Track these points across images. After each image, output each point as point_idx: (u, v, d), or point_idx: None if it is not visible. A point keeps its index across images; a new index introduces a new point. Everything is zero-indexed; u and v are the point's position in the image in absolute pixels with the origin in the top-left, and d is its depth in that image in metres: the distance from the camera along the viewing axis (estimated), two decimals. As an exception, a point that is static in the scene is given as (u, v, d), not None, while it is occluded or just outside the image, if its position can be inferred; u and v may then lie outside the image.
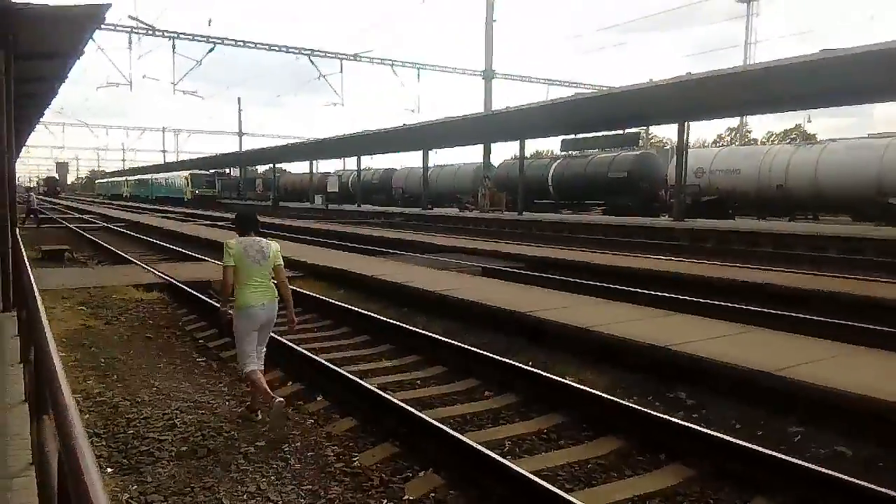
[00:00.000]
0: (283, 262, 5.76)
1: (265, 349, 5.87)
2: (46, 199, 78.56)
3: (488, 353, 7.13)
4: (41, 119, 23.96)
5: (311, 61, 38.72)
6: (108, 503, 1.43)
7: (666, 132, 72.28)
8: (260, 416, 5.57)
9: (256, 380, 5.53)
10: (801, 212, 28.97)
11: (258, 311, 5.56)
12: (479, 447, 4.56)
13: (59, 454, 1.92)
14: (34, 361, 4.02)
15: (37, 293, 5.30)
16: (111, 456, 4.85)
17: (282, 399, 5.47)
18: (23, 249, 8.46)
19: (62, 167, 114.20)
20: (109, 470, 4.58)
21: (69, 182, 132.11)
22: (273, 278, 5.71)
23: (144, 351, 8.08)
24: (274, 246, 5.70)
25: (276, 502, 4.18)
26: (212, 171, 68.44)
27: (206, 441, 5.11)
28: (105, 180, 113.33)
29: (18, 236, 9.05)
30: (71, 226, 29.73)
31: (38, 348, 3.67)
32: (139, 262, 15.61)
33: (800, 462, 4.32)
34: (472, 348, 7.39)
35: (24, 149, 44.96)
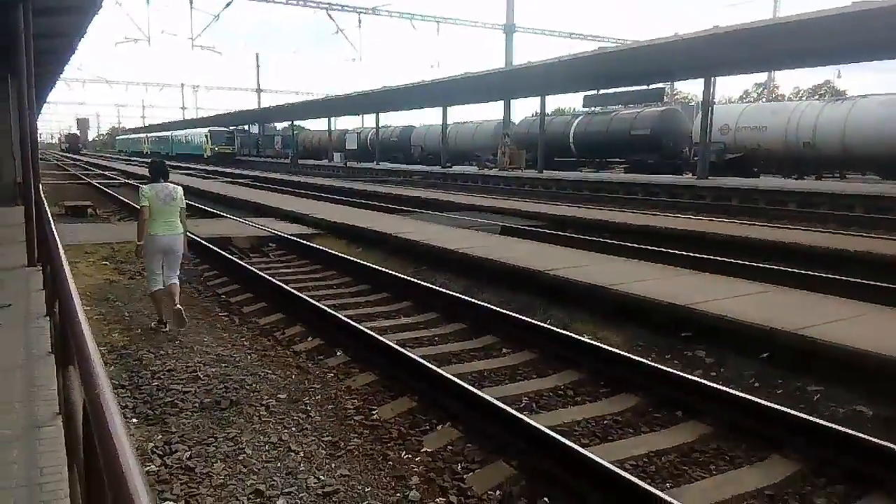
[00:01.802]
0: (185, 205, 7.14)
1: (176, 273, 7.18)
2: (68, 155, 79.26)
3: (506, 311, 7.15)
4: (61, 75, 23.97)
5: (329, 15, 38.10)
6: (132, 451, 1.45)
7: (691, 88, 70.72)
8: (167, 328, 6.93)
9: (158, 299, 7.02)
10: (829, 170, 28.38)
11: (161, 238, 6.91)
12: (496, 402, 4.60)
13: (84, 404, 1.95)
14: (59, 314, 4.09)
15: (60, 248, 5.37)
16: (136, 406, 4.97)
17: (179, 306, 6.87)
18: (46, 205, 8.55)
19: (83, 124, 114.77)
20: (134, 420, 4.70)
21: (90, 139, 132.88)
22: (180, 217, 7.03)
23: (181, 305, 8.19)
24: (180, 191, 7.10)
25: (297, 452, 4.27)
26: (231, 127, 68.40)
27: (228, 393, 5.21)
28: (125, 137, 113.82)
29: (42, 192, 9.14)
30: (93, 182, 30.02)
31: (62, 302, 3.73)
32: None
33: (818, 420, 4.31)
34: (491, 305, 7.41)
35: (45, 105, 45.15)
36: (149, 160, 9.19)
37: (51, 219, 7.74)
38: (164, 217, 6.90)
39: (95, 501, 1.91)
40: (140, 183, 10.61)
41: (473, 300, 7.70)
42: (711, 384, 5.04)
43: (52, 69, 19.72)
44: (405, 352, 5.79)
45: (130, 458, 1.45)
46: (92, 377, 2.08)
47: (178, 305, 6.91)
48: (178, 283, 7.18)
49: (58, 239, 6.02)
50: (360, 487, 3.88)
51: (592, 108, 36.85)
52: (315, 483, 3.89)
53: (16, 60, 8.56)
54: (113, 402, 1.79)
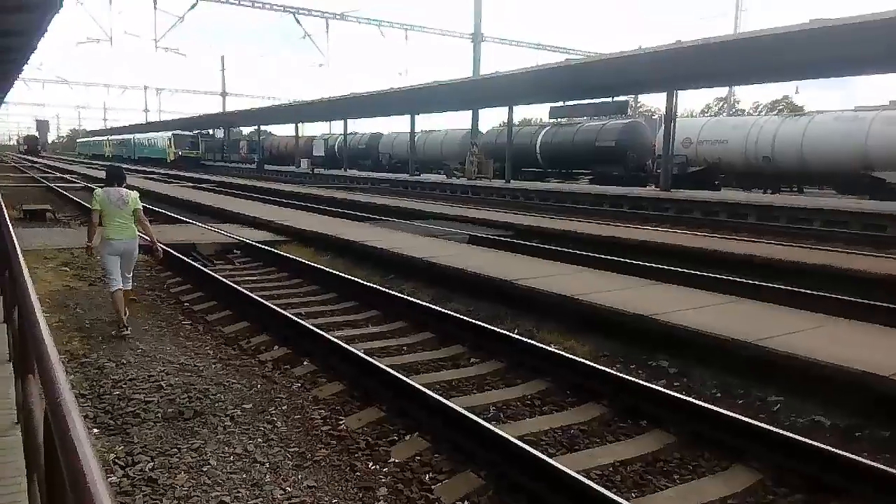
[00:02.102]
0: (141, 207, 7.26)
1: (131, 275, 7.44)
2: (26, 157, 77.22)
3: (474, 321, 7.17)
4: (20, 75, 23.38)
5: (297, 20, 37.96)
6: (96, 460, 1.43)
7: (654, 101, 71.98)
8: (129, 330, 7.03)
9: (118, 299, 7.08)
10: (787, 184, 29.14)
11: (116, 242, 7.13)
12: (464, 412, 4.61)
13: (46, 412, 1.91)
14: (18, 321, 3.98)
15: (19, 253, 5.23)
16: (97, 416, 4.86)
17: (124, 315, 7.04)
18: (4, 209, 8.31)
19: (42, 125, 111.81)
20: (96, 430, 4.59)
21: (50, 141, 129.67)
22: (135, 220, 7.24)
23: (129, 313, 8.02)
24: (133, 195, 7.26)
25: (263, 464, 4.21)
26: (195, 131, 67.39)
27: (192, 403, 5.12)
28: (86, 139, 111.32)
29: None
30: (52, 185, 29.28)
31: (22, 308, 3.63)
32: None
33: (777, 430, 4.41)
34: (459, 315, 7.42)
35: (3, 105, 43.95)
36: (104, 164, 9.03)
37: (8, 222, 7.53)
38: (117, 220, 7.13)
39: (57, 513, 1.86)
40: (90, 185, 10.44)
41: (441, 309, 7.71)
42: (675, 394, 5.12)
43: (10, 68, 19.24)
44: (373, 361, 5.76)
45: (94, 467, 1.42)
46: (54, 385, 2.03)
47: (124, 314, 7.12)
48: (130, 287, 7.50)
49: (16, 243, 5.85)
50: (327, 499, 3.84)
51: (558, 120, 37.30)
52: (281, 495, 3.84)
53: (-27, 59, 8.33)
54: (75, 411, 1.76)
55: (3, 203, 8.65)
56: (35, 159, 74.27)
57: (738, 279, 9.55)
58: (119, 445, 4.40)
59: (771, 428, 4.44)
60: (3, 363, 4.76)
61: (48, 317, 7.11)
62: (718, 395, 5.66)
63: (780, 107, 62.54)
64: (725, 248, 12.08)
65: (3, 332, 5.44)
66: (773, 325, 6.39)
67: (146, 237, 7.56)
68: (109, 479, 3.88)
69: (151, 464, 4.15)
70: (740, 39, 18.69)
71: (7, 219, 7.56)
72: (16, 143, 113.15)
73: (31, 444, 3.07)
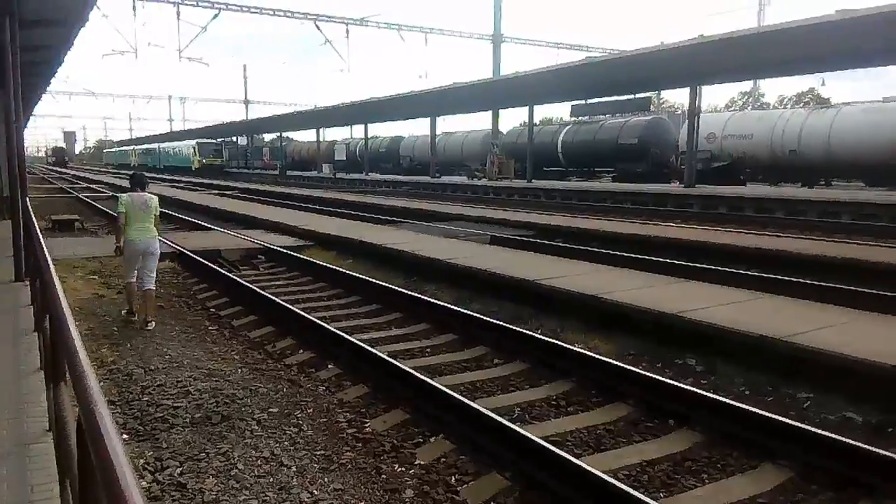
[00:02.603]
0: (159, 212, 7.88)
1: (153, 275, 7.91)
2: (55, 169, 78.72)
3: (497, 321, 7.16)
4: (48, 88, 23.85)
5: (317, 26, 38.17)
6: (130, 467, 1.45)
7: (677, 96, 71.21)
8: (136, 318, 7.80)
9: (131, 290, 7.86)
10: (814, 177, 28.67)
11: (138, 243, 7.66)
12: (489, 413, 4.60)
13: (78, 420, 1.94)
14: (49, 330, 4.05)
15: (50, 263, 5.33)
16: (126, 423, 4.94)
17: (153, 319, 7.69)
18: (34, 219, 8.49)
19: (69, 137, 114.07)
20: (125, 436, 4.66)
21: (77, 152, 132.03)
22: (156, 223, 7.81)
23: (157, 319, 8.15)
24: (155, 199, 7.83)
25: (289, 467, 4.25)
26: (219, 139, 68.22)
27: (219, 408, 5.18)
28: (113, 149, 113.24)
29: (29, 206, 9.08)
30: (81, 195, 29.82)
31: (53, 317, 3.70)
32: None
33: (808, 427, 4.34)
34: (481, 316, 7.42)
35: (31, 118, 44.85)
36: (130, 174, 9.40)
37: (39, 233, 7.67)
38: (139, 223, 7.66)
39: (90, 518, 1.89)
40: (117, 193, 10.82)
41: (464, 310, 7.71)
42: (702, 392, 5.07)
43: (38, 81, 19.63)
44: (397, 363, 5.78)
45: (128, 473, 1.45)
46: (86, 393, 2.06)
47: (152, 319, 7.72)
48: (153, 289, 7.90)
49: (47, 253, 5.97)
50: (353, 501, 3.86)
51: (580, 118, 37.08)
52: (308, 498, 3.87)
53: (2, 73, 8.52)
54: (108, 418, 1.78)
55: (32, 214, 8.84)
56: (63, 170, 75.71)
57: (766, 275, 9.41)
58: (148, 451, 4.46)
59: (800, 425, 4.37)
60: (35, 371, 4.86)
61: (78, 325, 7.23)
62: (747, 392, 5.58)
63: (807, 99, 61.55)
64: (752, 244, 11.91)
65: (34, 340, 5.55)
66: (801, 321, 6.29)
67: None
68: (139, 483, 3.94)
69: (180, 468, 4.20)
70: (765, 32, 18.45)
71: (37, 229, 7.71)
72: (44, 155, 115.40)
73: (63, 452, 3.13)
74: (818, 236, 13.78)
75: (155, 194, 8.01)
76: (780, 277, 9.18)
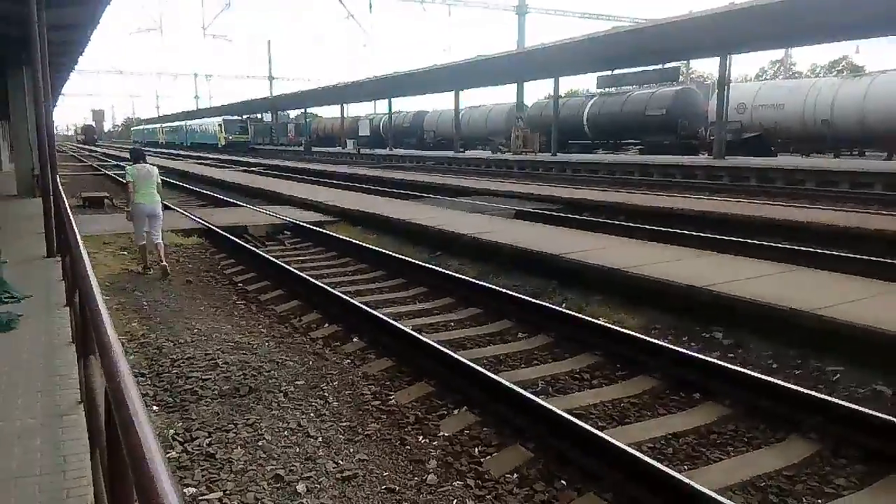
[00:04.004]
0: (160, 181, 9.33)
1: (160, 233, 9.29)
2: (84, 147, 79.83)
3: (521, 295, 7.14)
4: (76, 67, 24.10)
5: (340, 1, 37.98)
6: (155, 439, 1.47)
7: (706, 66, 69.64)
8: (151, 272, 9.09)
9: (144, 250, 9.25)
10: (847, 147, 27.97)
11: (145, 206, 9.06)
12: (513, 386, 4.61)
13: (106, 392, 1.98)
14: (79, 305, 4.14)
15: (79, 239, 5.43)
16: (157, 394, 5.04)
17: (164, 263, 9.02)
18: (64, 197, 8.64)
19: (98, 115, 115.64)
20: (155, 408, 4.77)
21: (105, 130, 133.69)
22: (158, 189, 9.22)
23: (185, 294, 8.28)
24: (155, 170, 9.31)
25: (315, 438, 4.31)
26: (244, 116, 68.54)
27: (247, 380, 5.26)
28: (140, 127, 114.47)
29: (59, 184, 9.24)
30: (109, 173, 30.25)
31: (82, 292, 3.76)
32: (177, 208, 15.87)
33: (836, 400, 4.28)
34: (505, 290, 7.40)
35: (60, 97, 45.41)
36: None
37: (69, 210, 7.81)
38: (145, 189, 9.05)
39: (118, 487, 1.94)
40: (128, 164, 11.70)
41: (488, 285, 7.70)
42: (729, 365, 5.01)
43: (66, 60, 19.84)
44: (421, 337, 5.81)
45: (153, 445, 1.47)
46: (113, 367, 2.10)
47: (164, 262, 9.03)
48: (162, 242, 9.27)
49: (76, 230, 6.07)
50: (378, 472, 3.91)
51: (606, 90, 36.49)
52: (334, 468, 3.93)
53: (30, 52, 8.63)
54: (135, 391, 1.81)
55: (62, 191, 9.01)
56: (92, 148, 76.78)
57: (796, 247, 9.24)
58: (178, 422, 4.56)
59: (828, 398, 4.31)
60: (67, 344, 4.97)
61: (108, 299, 7.40)
62: (774, 366, 5.51)
63: (840, 67, 59.81)
64: (783, 216, 11.69)
65: (66, 314, 5.68)
66: (832, 294, 6.18)
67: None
68: (169, 454, 4.04)
69: (209, 439, 4.29)
70: (796, -2, 17.87)
71: (67, 206, 7.84)
72: (73, 133, 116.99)
73: (93, 423, 3.21)
74: (851, 208, 13.47)
75: (155, 165, 9.54)
76: (810, 250, 9.02)
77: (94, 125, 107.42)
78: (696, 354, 5.28)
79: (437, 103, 63.47)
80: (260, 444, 4.22)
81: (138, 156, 9.48)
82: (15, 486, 3.01)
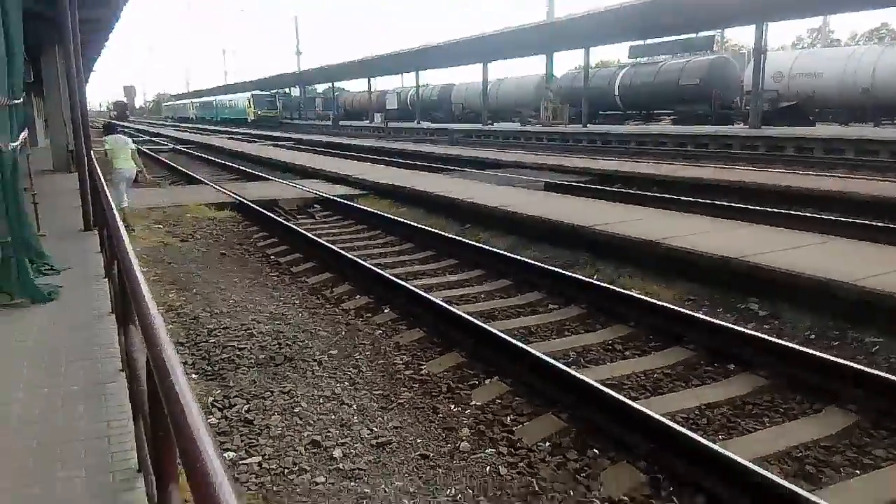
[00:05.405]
0: (135, 147, 10.49)
1: (128, 192, 10.36)
2: (116, 122, 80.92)
3: (551, 267, 7.11)
4: (107, 43, 24.32)
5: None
6: (196, 405, 1.50)
7: (741, 36, 67.75)
8: (135, 231, 9.77)
9: (126, 213, 9.69)
10: (888, 116, 27.10)
11: (122, 171, 10.16)
12: (544, 356, 4.61)
13: (147, 360, 2.02)
14: (118, 276, 4.22)
15: (115, 212, 5.52)
16: (195, 363, 5.15)
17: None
18: (99, 171, 8.78)
19: (129, 91, 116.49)
20: (194, 376, 4.87)
21: (137, 106, 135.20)
22: (132, 157, 10.26)
23: (220, 266, 8.41)
24: (130, 140, 10.51)
25: (350, 405, 4.37)
26: (273, 91, 68.70)
27: (282, 349, 5.34)
28: (171, 103, 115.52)
29: (94, 158, 9.40)
30: (143, 148, 30.63)
31: (122, 264, 3.83)
32: (209, 182, 16.05)
33: (875, 372, 4.20)
34: (536, 262, 7.37)
35: (92, 74, 45.94)
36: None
37: (104, 184, 7.94)
38: (122, 155, 10.16)
39: (162, 452, 1.98)
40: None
41: (518, 257, 7.68)
42: (764, 336, 4.94)
43: (97, 37, 20.02)
44: (451, 308, 5.82)
45: (195, 410, 1.50)
46: (153, 336, 2.14)
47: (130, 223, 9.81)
48: (129, 201, 10.45)
49: (112, 203, 6.17)
50: (411, 439, 3.96)
51: (638, 59, 35.73)
52: (368, 434, 3.99)
53: (62, 29, 8.72)
54: (175, 359, 1.85)
55: (97, 166, 9.16)
56: (124, 124, 77.75)
57: (833, 217, 9.03)
58: (216, 389, 4.66)
59: (867, 369, 4.23)
60: (107, 315, 5.09)
61: (145, 271, 7.54)
62: (812, 337, 5.43)
63: (881, 34, 57.71)
64: (819, 186, 11.41)
65: (105, 286, 5.80)
66: (871, 264, 6.04)
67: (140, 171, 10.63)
68: (209, 420, 4.13)
69: (247, 406, 4.38)
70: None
71: (104, 181, 7.97)
72: (106, 109, 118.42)
73: (135, 390, 3.29)
74: (892, 178, 13.10)
75: (130, 136, 11.57)
76: (849, 220, 8.81)
77: (125, 101, 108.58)
78: (729, 325, 5.21)
79: (465, 76, 62.86)
80: (296, 411, 4.29)
81: (112, 129, 10.82)
82: (61, 451, 3.11)
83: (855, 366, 4.30)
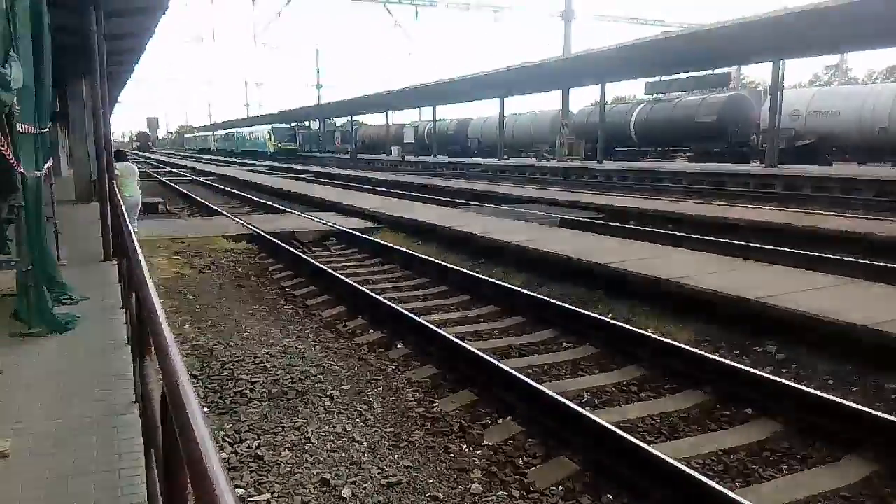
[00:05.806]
0: (139, 176, 11.34)
1: (136, 218, 10.95)
2: (139, 153, 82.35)
3: (566, 304, 7.07)
4: (132, 75, 24.89)
5: (387, 9, 38.39)
6: (212, 439, 1.50)
7: (758, 72, 68.02)
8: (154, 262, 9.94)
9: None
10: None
11: (129, 199, 10.45)
12: (557, 396, 4.57)
13: (163, 392, 2.03)
14: (136, 307, 4.26)
15: (136, 243, 5.59)
16: (207, 396, 5.15)
17: None
18: (121, 201, 8.92)
19: (152, 122, 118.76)
20: (206, 409, 4.87)
21: (160, 137, 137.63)
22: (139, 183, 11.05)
23: (235, 298, 8.46)
24: (136, 168, 11.43)
25: (361, 443, 4.34)
26: (293, 124, 69.71)
27: (294, 384, 5.34)
28: (193, 135, 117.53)
29: (116, 189, 9.54)
30: (164, 179, 31.11)
31: (139, 295, 3.87)
32: (228, 214, 16.22)
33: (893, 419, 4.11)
34: (551, 299, 7.34)
35: (116, 105, 46.89)
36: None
37: (126, 214, 8.07)
38: (130, 183, 10.84)
39: (173, 486, 1.98)
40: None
41: (532, 293, 7.66)
42: (783, 381, 4.87)
43: (123, 69, 20.50)
44: (464, 345, 5.80)
45: (210, 445, 1.50)
46: (171, 368, 2.15)
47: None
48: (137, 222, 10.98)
49: (133, 234, 6.26)
50: (422, 479, 3.91)
51: (654, 95, 35.96)
52: (379, 473, 3.95)
53: (89, 61, 8.94)
54: (192, 392, 1.86)
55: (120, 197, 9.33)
56: (147, 155, 79.08)
57: (854, 259, 8.94)
58: (228, 423, 4.65)
59: (887, 416, 4.14)
60: (123, 345, 5.12)
61: (163, 302, 7.58)
62: (831, 382, 5.33)
63: (900, 72, 57.68)
64: (838, 227, 11.33)
65: (122, 316, 5.85)
66: (890, 308, 5.95)
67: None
68: (220, 455, 4.11)
69: (258, 441, 4.36)
70: (854, 2, 17.34)
71: (125, 212, 8.10)
72: (129, 140, 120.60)
73: (148, 422, 3.29)
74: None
75: (136, 164, 12.28)
76: (868, 262, 8.71)
77: (148, 132, 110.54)
78: (746, 368, 5.14)
79: (481, 111, 63.51)
80: (307, 447, 4.27)
81: (121, 154, 11.24)
82: (72, 483, 3.11)
83: (873, 412, 4.21)
